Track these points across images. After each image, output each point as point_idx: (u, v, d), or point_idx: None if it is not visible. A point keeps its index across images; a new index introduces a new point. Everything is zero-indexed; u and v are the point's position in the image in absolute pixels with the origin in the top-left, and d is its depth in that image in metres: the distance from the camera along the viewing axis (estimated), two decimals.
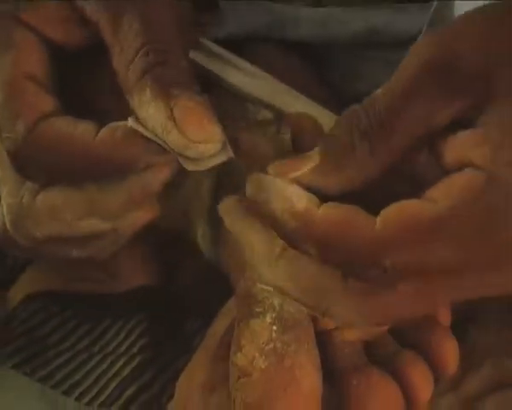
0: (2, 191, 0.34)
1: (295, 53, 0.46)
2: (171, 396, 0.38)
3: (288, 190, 0.29)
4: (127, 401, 0.42)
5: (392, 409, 0.31)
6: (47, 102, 0.30)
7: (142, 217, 0.33)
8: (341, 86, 0.44)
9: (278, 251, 0.28)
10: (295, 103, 0.34)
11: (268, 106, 0.34)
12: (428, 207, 0.26)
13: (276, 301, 0.31)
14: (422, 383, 0.31)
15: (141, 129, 0.30)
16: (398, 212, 0.26)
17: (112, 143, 0.30)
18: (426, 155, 0.29)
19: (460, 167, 0.27)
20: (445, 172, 0.27)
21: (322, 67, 0.46)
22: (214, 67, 0.35)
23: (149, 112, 0.29)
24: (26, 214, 0.32)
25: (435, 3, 0.36)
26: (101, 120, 0.30)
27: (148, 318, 0.47)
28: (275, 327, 0.30)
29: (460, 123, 0.27)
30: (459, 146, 0.27)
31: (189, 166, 0.30)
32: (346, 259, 0.27)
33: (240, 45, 0.38)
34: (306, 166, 0.28)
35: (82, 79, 0.33)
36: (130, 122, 0.29)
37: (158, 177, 0.32)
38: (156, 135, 0.29)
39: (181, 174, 0.36)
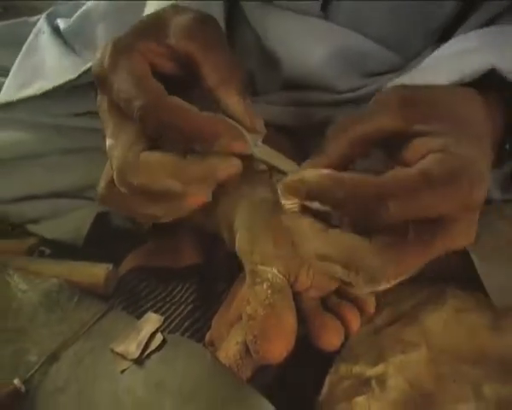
0: (116, 147, 0.33)
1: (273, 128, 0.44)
2: (209, 328, 0.45)
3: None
4: (184, 330, 0.49)
5: (337, 337, 0.37)
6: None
7: (199, 195, 0.33)
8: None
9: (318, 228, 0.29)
10: (277, 160, 0.35)
11: (263, 161, 0.35)
12: (413, 169, 0.27)
13: (270, 276, 0.36)
14: (355, 321, 0.37)
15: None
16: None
17: (214, 119, 0.31)
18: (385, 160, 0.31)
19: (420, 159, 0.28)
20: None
21: (292, 140, 0.48)
22: None
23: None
24: (129, 166, 0.32)
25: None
26: None
27: (196, 281, 0.54)
28: (269, 291, 0.36)
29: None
30: (421, 145, 0.29)
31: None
32: (363, 208, 0.27)
33: None
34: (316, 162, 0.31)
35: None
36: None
37: (229, 168, 0.32)
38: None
39: (222, 196, 0.41)
